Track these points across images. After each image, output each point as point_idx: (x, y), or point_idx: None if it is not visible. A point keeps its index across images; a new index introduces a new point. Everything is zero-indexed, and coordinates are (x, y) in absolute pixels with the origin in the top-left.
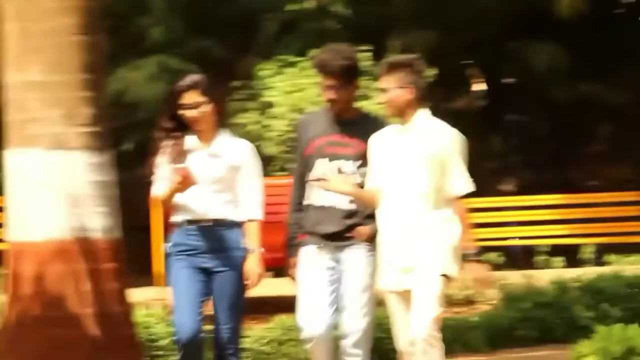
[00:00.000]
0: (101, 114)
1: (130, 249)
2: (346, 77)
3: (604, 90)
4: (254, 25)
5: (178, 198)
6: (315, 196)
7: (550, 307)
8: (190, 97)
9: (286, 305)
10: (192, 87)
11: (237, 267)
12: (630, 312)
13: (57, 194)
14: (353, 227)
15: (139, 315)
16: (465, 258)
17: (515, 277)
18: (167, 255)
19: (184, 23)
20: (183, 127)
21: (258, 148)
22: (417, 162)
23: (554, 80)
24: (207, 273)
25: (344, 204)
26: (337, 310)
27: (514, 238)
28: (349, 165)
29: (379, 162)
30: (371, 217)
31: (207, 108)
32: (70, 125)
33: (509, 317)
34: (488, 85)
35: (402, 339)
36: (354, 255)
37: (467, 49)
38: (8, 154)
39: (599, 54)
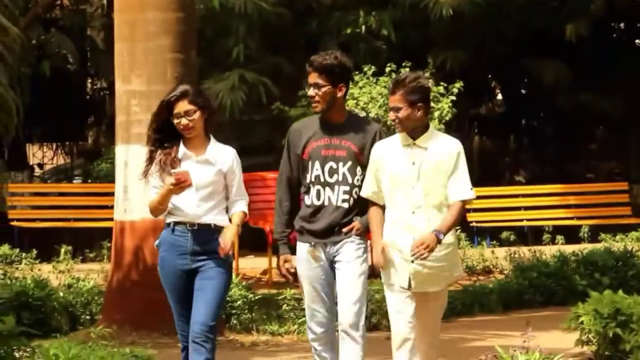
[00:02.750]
0: None
1: None
2: (328, 76)
3: (599, 100)
4: (316, 46)
5: (171, 202)
6: (312, 195)
7: (553, 276)
8: (180, 106)
9: None
10: (182, 96)
11: (220, 268)
12: (617, 281)
13: None
14: (345, 224)
15: None
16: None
17: (524, 251)
18: (158, 249)
19: (260, 43)
20: (175, 136)
21: None
22: (429, 172)
23: (559, 91)
24: (191, 273)
25: (338, 202)
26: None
27: (524, 220)
28: (341, 167)
29: (388, 172)
30: (361, 212)
31: (196, 116)
32: None
33: (519, 285)
34: (506, 95)
35: (399, 332)
36: (347, 248)
37: (489, 65)
38: (117, 149)
39: (596, 70)
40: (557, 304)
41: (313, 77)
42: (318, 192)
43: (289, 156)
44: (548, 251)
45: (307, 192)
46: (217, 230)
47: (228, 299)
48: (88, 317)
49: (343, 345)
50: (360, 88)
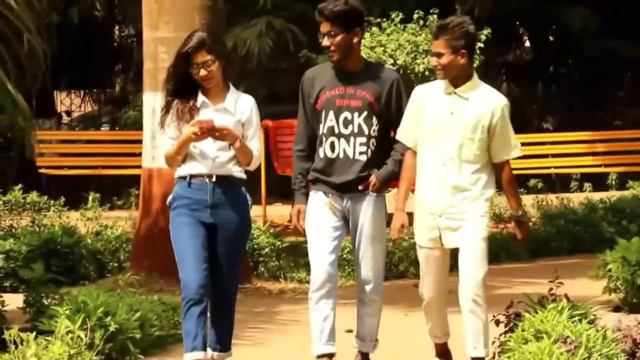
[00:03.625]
0: None
1: None
2: (342, 23)
3: (626, 45)
4: None
5: (188, 150)
6: (326, 147)
7: (580, 223)
8: (198, 57)
9: None
10: (199, 46)
11: (238, 222)
12: None
13: None
14: (363, 178)
15: None
16: (511, 218)
17: (552, 199)
18: (170, 208)
19: None
20: (193, 85)
21: None
22: (467, 124)
23: (587, 37)
24: (208, 227)
25: (355, 155)
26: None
27: (551, 167)
28: (356, 117)
29: (424, 118)
30: (378, 164)
31: (215, 66)
32: None
33: (546, 232)
34: (534, 42)
35: (431, 291)
36: (364, 204)
37: (517, 12)
38: (144, 96)
39: (623, 16)
40: (585, 251)
41: (325, 26)
42: (332, 143)
43: (303, 105)
44: (576, 199)
45: (321, 143)
46: (235, 181)
47: (255, 246)
48: (116, 264)
49: (362, 307)
50: (388, 35)
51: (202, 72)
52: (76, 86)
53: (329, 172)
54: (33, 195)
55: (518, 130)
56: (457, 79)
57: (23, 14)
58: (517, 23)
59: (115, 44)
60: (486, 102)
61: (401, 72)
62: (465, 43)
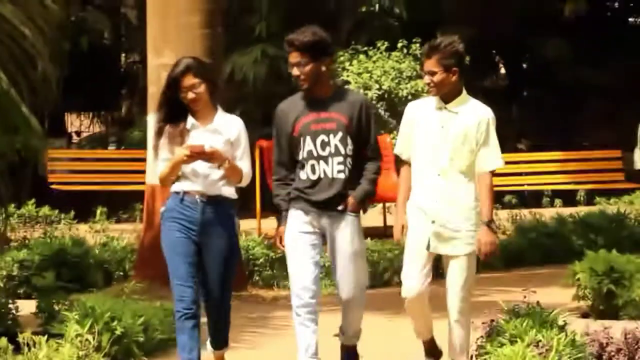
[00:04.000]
0: None
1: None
2: (311, 53)
3: (596, 74)
4: (334, 22)
5: (181, 169)
6: (307, 170)
7: (552, 236)
8: (186, 81)
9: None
10: (186, 71)
11: (226, 241)
12: (611, 240)
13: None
14: (342, 195)
15: (242, 240)
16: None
17: (525, 214)
18: (161, 218)
19: (281, 19)
20: (182, 110)
21: None
22: (456, 137)
23: (559, 66)
24: (198, 244)
25: (334, 173)
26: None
27: (525, 184)
28: (332, 139)
29: (417, 133)
30: (356, 185)
31: (202, 88)
32: None
33: (520, 244)
34: (509, 69)
35: (409, 289)
36: (342, 223)
37: (494, 41)
38: (149, 117)
39: (593, 46)
40: (555, 262)
41: (295, 57)
42: (313, 166)
43: (278, 138)
44: (547, 213)
45: (302, 167)
46: (224, 200)
47: (251, 257)
48: (121, 273)
49: (347, 314)
50: (374, 62)
51: (190, 95)
52: (85, 108)
53: (311, 191)
54: (45, 209)
55: None
56: (447, 95)
57: (36, 42)
58: (494, 51)
59: (122, 70)
60: (472, 115)
61: (386, 96)
62: (455, 61)
